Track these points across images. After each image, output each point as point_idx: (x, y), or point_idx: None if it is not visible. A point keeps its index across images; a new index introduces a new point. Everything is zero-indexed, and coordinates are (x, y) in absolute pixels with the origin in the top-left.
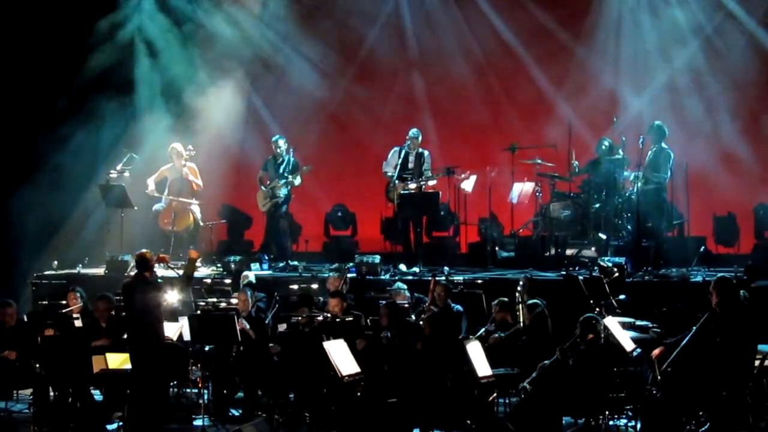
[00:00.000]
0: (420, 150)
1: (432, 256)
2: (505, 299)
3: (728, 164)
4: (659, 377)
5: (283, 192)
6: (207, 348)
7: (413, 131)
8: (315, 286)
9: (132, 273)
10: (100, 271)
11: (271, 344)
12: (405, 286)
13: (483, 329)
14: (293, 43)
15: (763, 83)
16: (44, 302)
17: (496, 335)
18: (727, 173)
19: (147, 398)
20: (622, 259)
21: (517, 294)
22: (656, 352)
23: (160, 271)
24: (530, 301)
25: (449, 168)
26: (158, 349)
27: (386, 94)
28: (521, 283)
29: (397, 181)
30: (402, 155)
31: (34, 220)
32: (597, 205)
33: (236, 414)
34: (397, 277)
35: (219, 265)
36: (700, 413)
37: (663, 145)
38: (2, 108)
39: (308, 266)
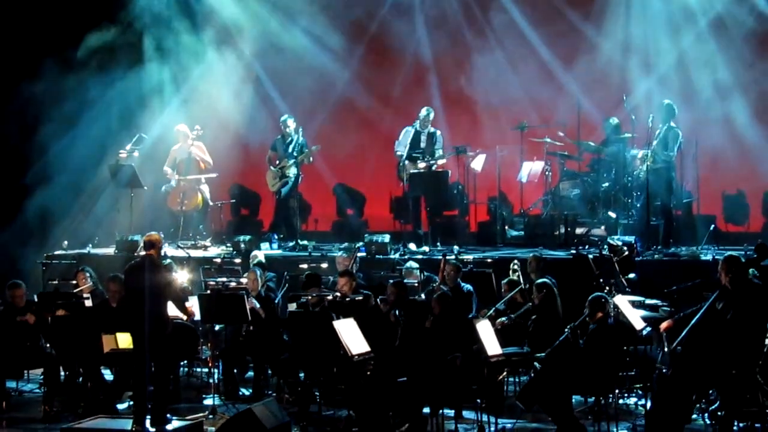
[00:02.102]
0: (432, 129)
1: (441, 235)
2: (515, 278)
3: (738, 143)
4: (667, 351)
5: (292, 172)
6: (217, 327)
7: (424, 110)
8: (324, 265)
9: (141, 253)
10: (110, 251)
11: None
12: (417, 266)
13: (493, 308)
14: (302, 22)
15: None
16: (54, 282)
17: (503, 319)
18: (737, 152)
19: (153, 378)
20: (631, 238)
21: (512, 273)
22: (665, 325)
23: (169, 251)
24: (539, 281)
25: (459, 147)
26: (165, 329)
27: (395, 73)
28: (515, 263)
29: (407, 161)
30: (414, 134)
31: (44, 201)
32: (606, 184)
33: (246, 393)
34: (407, 257)
35: (229, 244)
36: (710, 392)
37: (671, 124)
38: (11, 88)
39: (318, 246)
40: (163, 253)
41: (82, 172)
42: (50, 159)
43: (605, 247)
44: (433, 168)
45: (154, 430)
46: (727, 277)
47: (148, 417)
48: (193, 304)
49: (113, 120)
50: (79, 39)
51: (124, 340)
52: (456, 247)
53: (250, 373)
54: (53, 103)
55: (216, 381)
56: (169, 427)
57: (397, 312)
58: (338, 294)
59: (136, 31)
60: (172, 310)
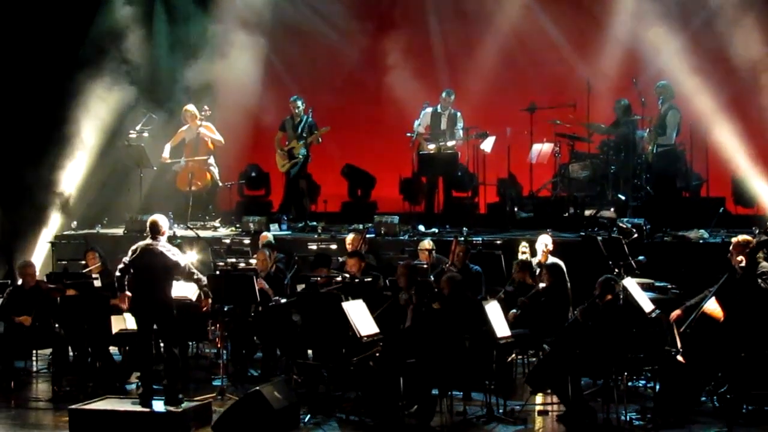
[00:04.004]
0: (452, 110)
1: (451, 217)
2: (525, 259)
3: (749, 124)
4: (678, 340)
5: (301, 152)
6: (226, 308)
7: (445, 92)
8: (334, 246)
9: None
10: (119, 231)
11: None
12: (433, 245)
13: (502, 290)
14: (312, 2)
15: None
16: (63, 262)
17: (514, 311)
18: (748, 133)
19: (164, 358)
20: (641, 220)
21: (521, 255)
22: (674, 315)
23: (178, 231)
24: (549, 262)
25: (479, 132)
26: (170, 310)
27: (405, 54)
28: (524, 245)
29: (430, 144)
30: (434, 115)
31: (53, 182)
32: (615, 166)
33: (255, 374)
34: (416, 238)
35: (238, 225)
36: (719, 374)
37: (671, 104)
38: (23, 68)
39: (327, 226)
40: (171, 233)
41: (92, 153)
42: (60, 140)
43: (614, 229)
44: (444, 150)
45: (164, 410)
46: (738, 259)
47: (160, 398)
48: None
49: (124, 100)
50: (90, 17)
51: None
52: (465, 229)
53: (259, 354)
54: (62, 82)
55: (224, 362)
56: (179, 407)
57: (407, 295)
58: (347, 275)
59: (147, 13)
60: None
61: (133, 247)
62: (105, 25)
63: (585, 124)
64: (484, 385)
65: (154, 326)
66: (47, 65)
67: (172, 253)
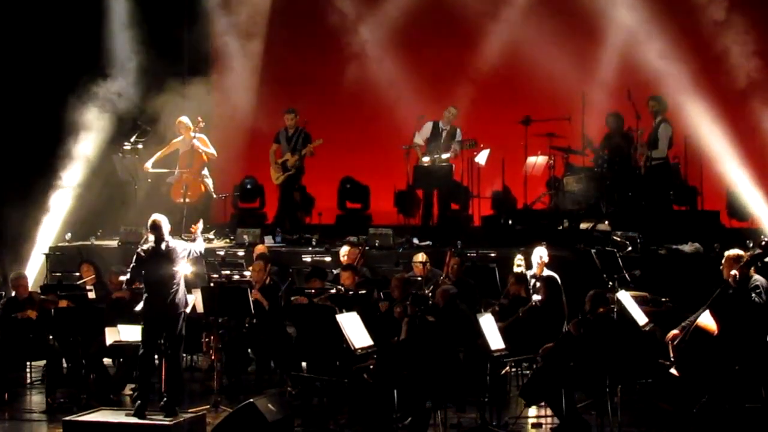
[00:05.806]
0: (452, 126)
1: (445, 230)
2: (521, 272)
3: (744, 138)
4: (672, 347)
5: (295, 165)
6: (219, 320)
7: (446, 111)
8: (328, 258)
9: (148, 242)
10: (113, 243)
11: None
12: (427, 258)
13: (497, 304)
14: (308, 15)
15: None
16: (57, 274)
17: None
18: (742, 148)
19: (168, 369)
20: (635, 233)
21: (516, 267)
22: (670, 335)
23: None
24: (545, 275)
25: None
26: (181, 315)
27: (400, 66)
28: (519, 258)
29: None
30: (434, 129)
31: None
32: (609, 179)
33: (249, 386)
34: (410, 250)
35: (232, 237)
36: (713, 387)
37: (663, 117)
38: (18, 80)
39: (321, 239)
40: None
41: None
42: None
43: (609, 242)
44: (438, 163)
45: (158, 422)
46: (731, 273)
47: (154, 409)
48: (195, 297)
49: (117, 112)
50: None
51: (128, 332)
52: (459, 242)
53: (253, 366)
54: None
55: (218, 373)
56: (173, 419)
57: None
58: (341, 287)
59: (141, 25)
60: None
61: (142, 249)
62: (103, 38)
63: (583, 136)
64: (478, 398)
65: (161, 338)
66: (43, 79)
67: (172, 245)
